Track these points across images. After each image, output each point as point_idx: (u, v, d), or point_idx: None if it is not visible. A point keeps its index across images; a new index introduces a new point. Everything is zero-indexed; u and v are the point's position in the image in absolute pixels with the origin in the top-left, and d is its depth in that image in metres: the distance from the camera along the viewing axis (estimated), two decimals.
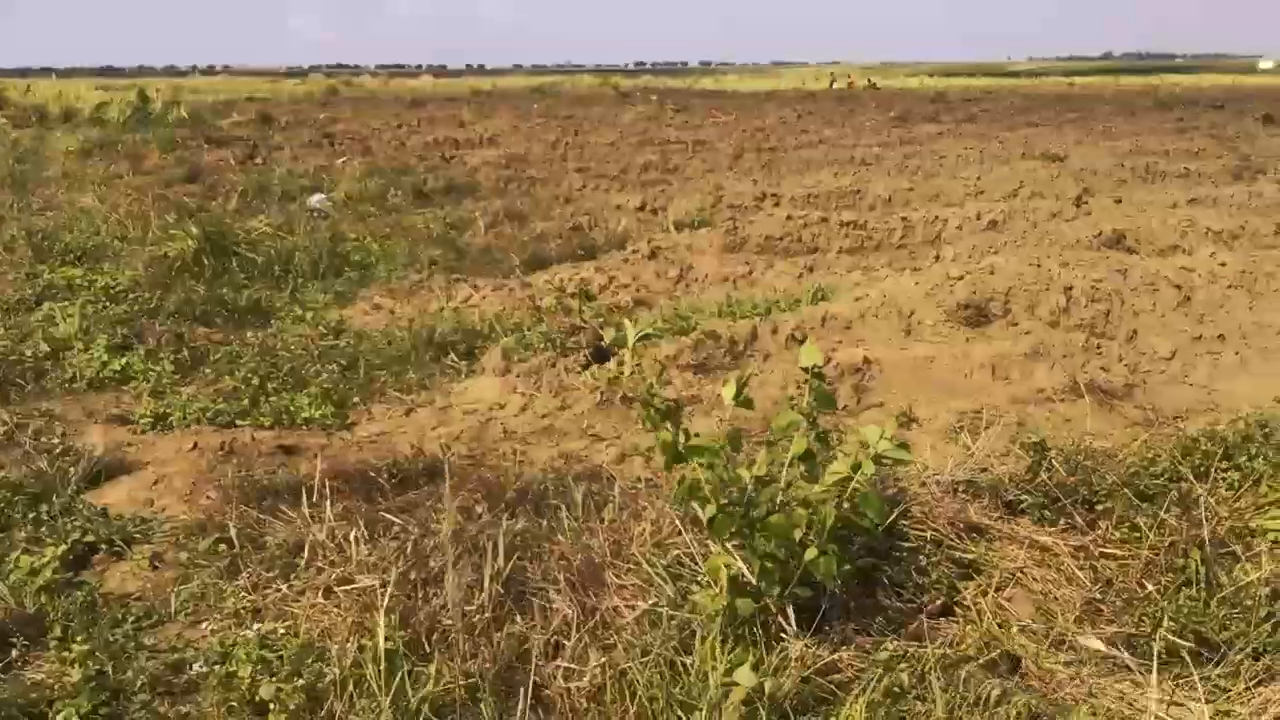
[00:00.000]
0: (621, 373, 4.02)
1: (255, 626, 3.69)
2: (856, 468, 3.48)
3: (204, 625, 3.87)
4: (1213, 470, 4.68)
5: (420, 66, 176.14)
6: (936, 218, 11.34)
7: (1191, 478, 4.57)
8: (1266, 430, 5.10)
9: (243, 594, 3.97)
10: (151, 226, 11.24)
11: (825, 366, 6.46)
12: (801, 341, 6.99)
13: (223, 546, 4.33)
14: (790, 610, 3.50)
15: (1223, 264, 8.61)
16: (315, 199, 14.70)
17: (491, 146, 22.55)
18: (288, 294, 9.29)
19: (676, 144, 23.61)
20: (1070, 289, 7.86)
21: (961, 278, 7.78)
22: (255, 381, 6.55)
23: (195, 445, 5.40)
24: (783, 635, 3.49)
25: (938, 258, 10.84)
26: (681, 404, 3.79)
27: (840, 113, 34.76)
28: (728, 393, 3.70)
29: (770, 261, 10.26)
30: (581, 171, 18.61)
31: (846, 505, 3.50)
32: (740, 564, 3.48)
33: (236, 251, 9.90)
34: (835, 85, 59.97)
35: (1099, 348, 7.39)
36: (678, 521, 4.15)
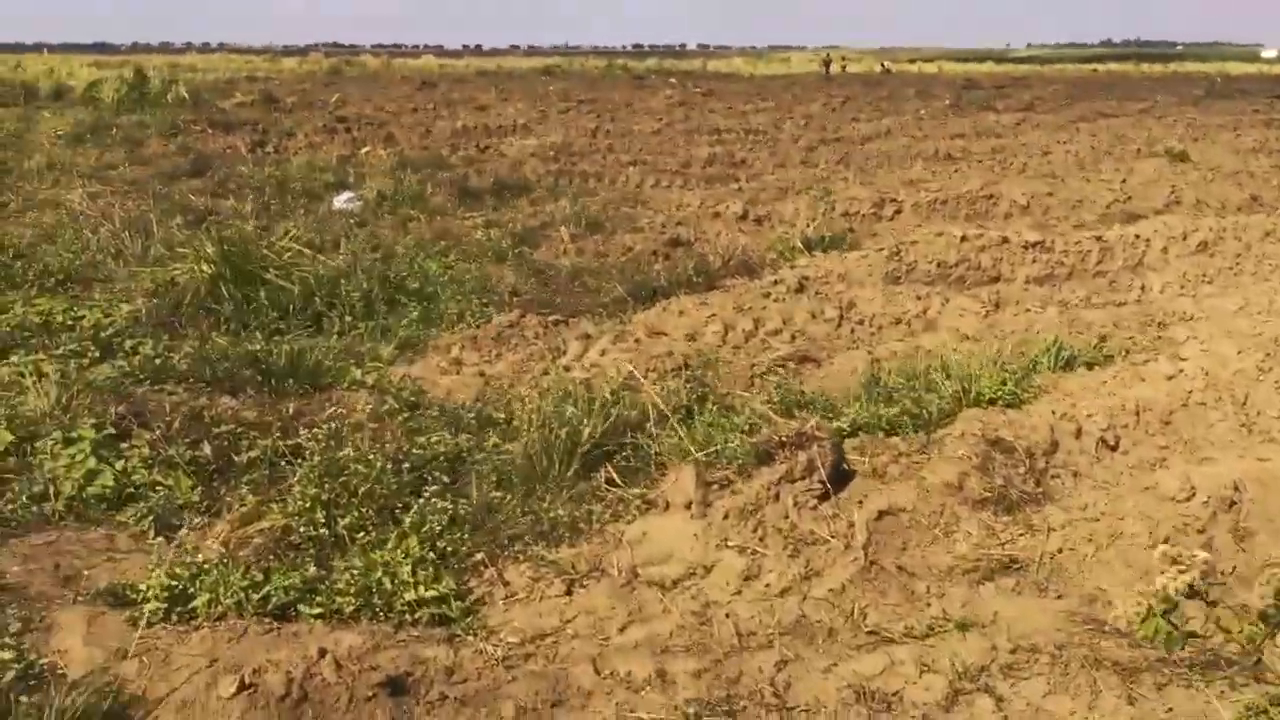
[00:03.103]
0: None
1: None
2: None
3: None
4: None
5: (418, 46, 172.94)
6: (1137, 237, 9.09)
7: None
8: None
9: None
10: (155, 239, 8.96)
11: (1191, 501, 4.25)
12: (1114, 447, 4.78)
13: None
14: None
15: None
16: (343, 198, 12.45)
17: (526, 134, 20.23)
18: (336, 341, 7.02)
19: (728, 133, 21.32)
20: None
21: None
22: (320, 518, 4.28)
23: (242, 682, 3.14)
24: None
25: (1143, 288, 8.61)
26: None
27: (884, 100, 32.44)
28: None
29: (945, 295, 8.00)
30: (637, 165, 16.38)
31: None
32: None
33: (264, 279, 7.61)
34: (831, 68, 57.67)
35: None
36: None
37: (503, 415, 5.63)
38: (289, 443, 5.21)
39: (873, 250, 8.50)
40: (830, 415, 5.41)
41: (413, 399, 5.95)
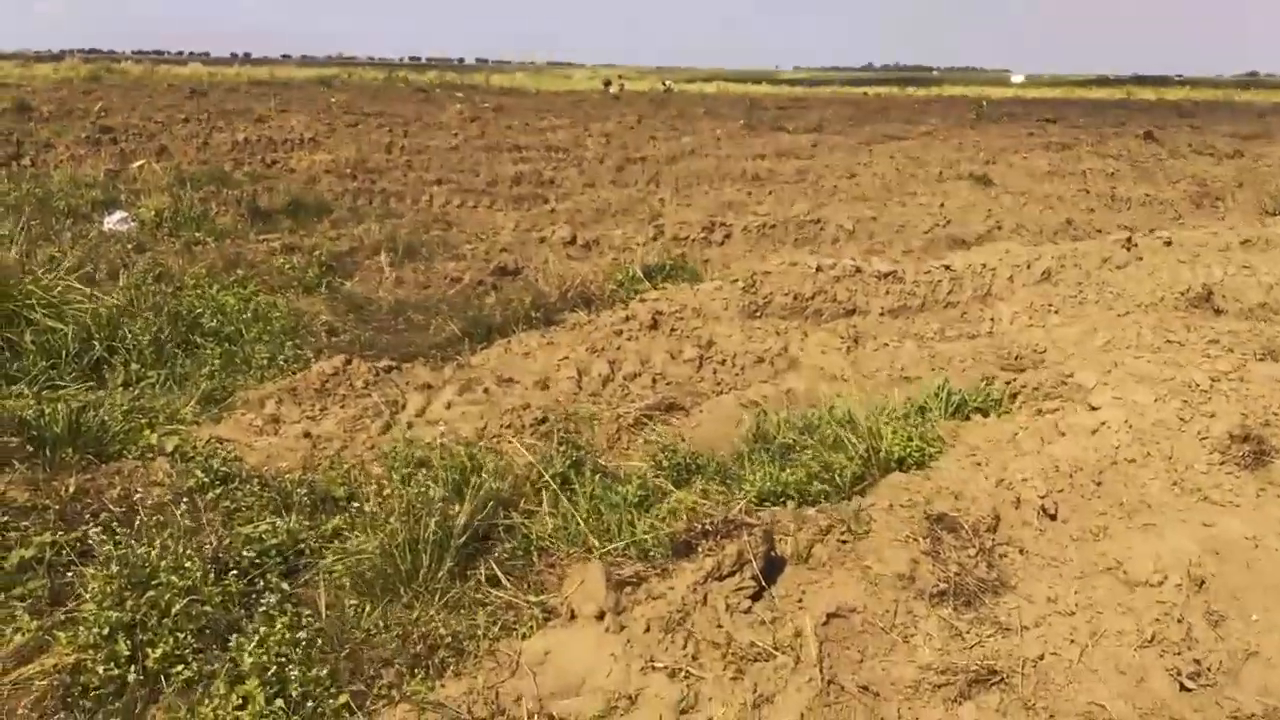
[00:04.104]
0: None
1: None
2: None
3: None
4: None
5: (182, 53, 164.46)
6: (984, 266, 8.81)
7: None
8: None
9: None
10: None
11: (1164, 586, 3.75)
12: (1054, 516, 4.28)
13: None
14: None
15: None
16: (115, 219, 11.06)
17: (315, 149, 18.92)
18: (122, 395, 5.88)
19: (530, 150, 20.56)
20: None
21: (1213, 385, 5.19)
22: (122, 649, 3.29)
23: None
24: None
25: (993, 319, 8.33)
26: None
27: (677, 119, 32.32)
28: None
29: (804, 329, 7.49)
30: (441, 184, 15.43)
31: None
32: None
33: (30, 319, 6.39)
34: (610, 88, 58.13)
35: None
36: None
37: (342, 490, 4.70)
38: (72, 535, 4.16)
39: (727, 282, 7.90)
40: (726, 481, 4.74)
41: (224, 469, 4.93)
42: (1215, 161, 21.71)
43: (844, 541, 4.00)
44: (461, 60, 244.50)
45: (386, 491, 4.23)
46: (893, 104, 52.73)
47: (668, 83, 71.01)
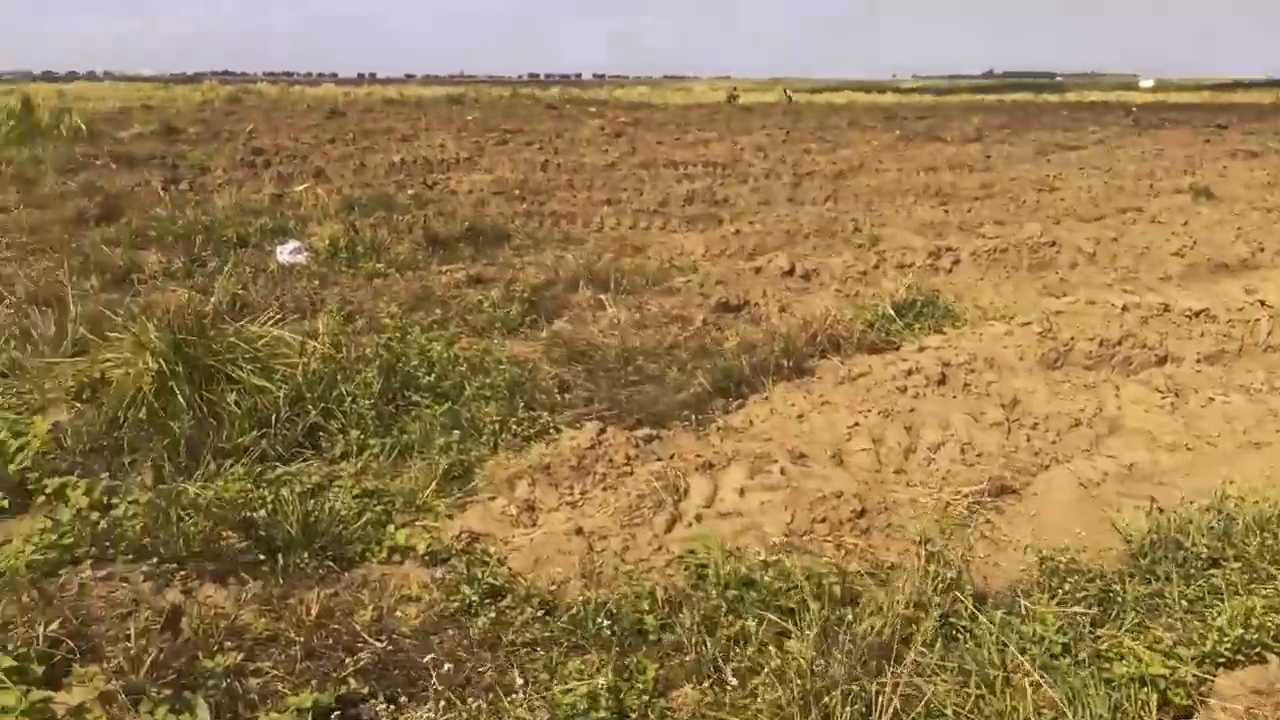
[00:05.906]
0: None
1: None
2: None
3: None
4: None
5: (311, 74, 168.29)
6: None
7: None
8: None
9: None
10: (74, 314, 6.78)
11: None
12: None
13: None
14: None
15: None
16: (288, 249, 10.34)
17: (470, 169, 18.20)
18: (348, 471, 4.97)
19: (689, 166, 19.55)
20: None
21: None
22: None
23: None
24: None
25: None
26: None
27: (820, 131, 31.00)
28: None
29: (1115, 383, 6.29)
30: (610, 204, 14.48)
31: None
32: None
33: (233, 377, 5.53)
34: (731, 100, 57.21)
35: None
36: None
37: (650, 616, 3.68)
38: (337, 694, 3.21)
39: (1016, 325, 6.74)
40: (1154, 613, 3.59)
41: (490, 580, 3.97)
42: None
43: None
44: (579, 75, 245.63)
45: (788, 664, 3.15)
46: (1038, 111, 50.62)
47: (789, 93, 69.28)
